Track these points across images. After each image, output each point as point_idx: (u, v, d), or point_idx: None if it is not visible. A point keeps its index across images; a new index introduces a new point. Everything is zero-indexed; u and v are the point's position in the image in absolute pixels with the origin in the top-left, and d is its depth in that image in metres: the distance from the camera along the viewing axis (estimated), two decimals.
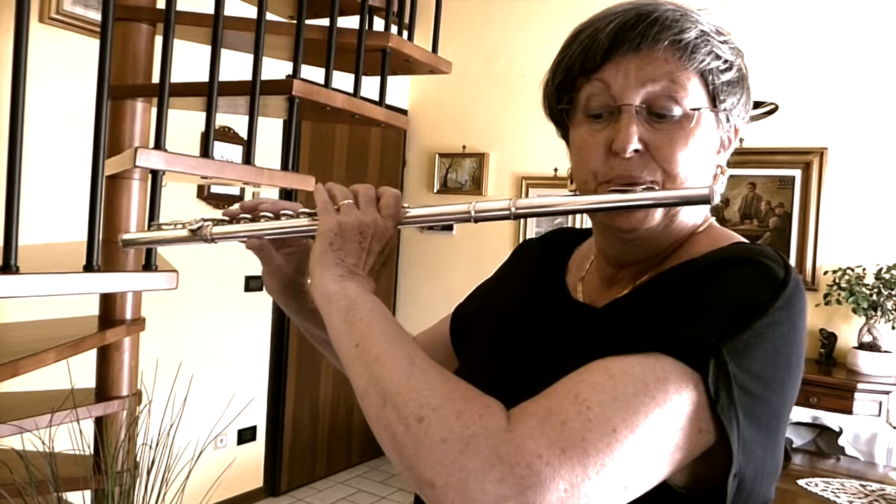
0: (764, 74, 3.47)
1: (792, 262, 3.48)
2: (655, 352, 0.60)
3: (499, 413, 0.57)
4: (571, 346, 0.73)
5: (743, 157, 3.64)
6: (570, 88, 0.75)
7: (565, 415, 0.56)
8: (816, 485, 1.95)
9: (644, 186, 0.70)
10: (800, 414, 2.54)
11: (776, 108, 3.41)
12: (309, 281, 0.74)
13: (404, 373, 0.61)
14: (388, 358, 0.63)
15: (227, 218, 0.83)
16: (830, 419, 2.49)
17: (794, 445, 2.38)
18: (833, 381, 3.03)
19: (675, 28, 0.70)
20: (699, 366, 0.58)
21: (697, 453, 0.60)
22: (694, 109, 0.70)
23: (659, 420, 0.57)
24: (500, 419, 0.57)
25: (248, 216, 0.82)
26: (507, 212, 0.73)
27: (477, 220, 0.75)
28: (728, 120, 0.75)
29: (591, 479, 0.54)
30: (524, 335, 0.83)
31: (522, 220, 4.19)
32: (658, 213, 0.72)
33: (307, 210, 0.79)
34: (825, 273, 3.38)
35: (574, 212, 0.75)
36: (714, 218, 0.81)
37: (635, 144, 0.70)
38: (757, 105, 3.41)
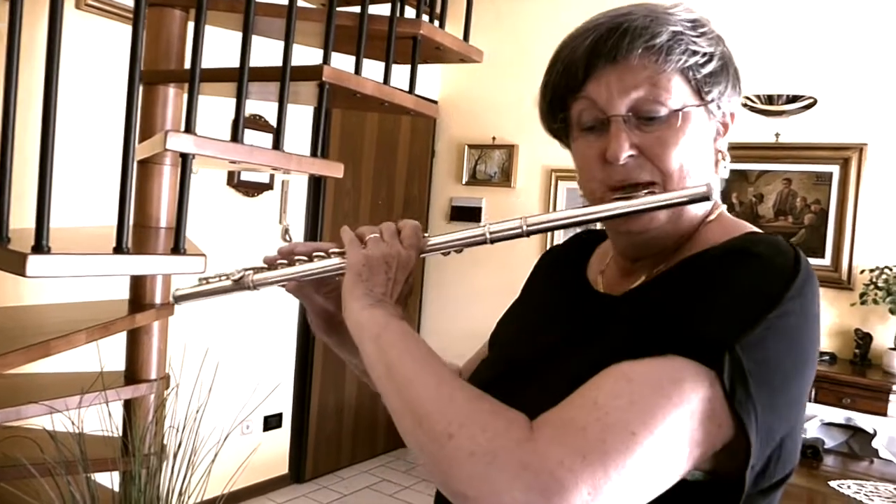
0: (802, 68, 3.39)
1: (827, 260, 3.41)
2: (670, 353, 0.62)
3: (523, 424, 0.60)
4: (588, 331, 0.77)
5: (779, 152, 3.57)
6: (562, 107, 0.79)
7: (584, 421, 0.59)
8: (849, 487, 1.91)
9: (646, 190, 0.74)
10: (833, 415, 2.49)
11: (814, 103, 3.33)
12: (343, 311, 0.79)
13: (433, 394, 0.64)
14: (418, 380, 0.67)
15: (266, 265, 0.88)
16: (864, 421, 2.43)
17: (825, 447, 2.33)
18: (868, 382, 2.97)
19: (646, 35, 0.72)
20: (714, 363, 0.60)
21: (719, 447, 0.62)
22: (678, 109, 0.73)
23: (676, 420, 0.59)
24: (524, 430, 0.60)
25: (285, 261, 0.87)
26: (520, 230, 0.77)
27: (493, 241, 0.79)
28: (719, 107, 0.78)
29: (612, 482, 0.56)
30: (545, 327, 0.86)
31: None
32: (663, 214, 0.75)
33: (337, 249, 0.84)
34: (862, 272, 3.30)
35: (582, 223, 0.78)
36: (725, 206, 0.83)
37: (627, 151, 0.73)
38: (795, 99, 3.34)
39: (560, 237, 4.16)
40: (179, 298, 0.93)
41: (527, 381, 0.74)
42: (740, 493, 0.63)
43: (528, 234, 0.77)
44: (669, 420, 0.58)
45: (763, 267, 0.66)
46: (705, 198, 0.72)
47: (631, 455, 0.57)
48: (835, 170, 3.42)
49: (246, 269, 0.88)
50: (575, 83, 0.76)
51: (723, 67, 0.76)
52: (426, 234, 0.83)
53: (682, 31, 0.73)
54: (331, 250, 0.85)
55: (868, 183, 3.35)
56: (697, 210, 0.78)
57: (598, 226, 0.87)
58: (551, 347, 0.78)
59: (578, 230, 0.93)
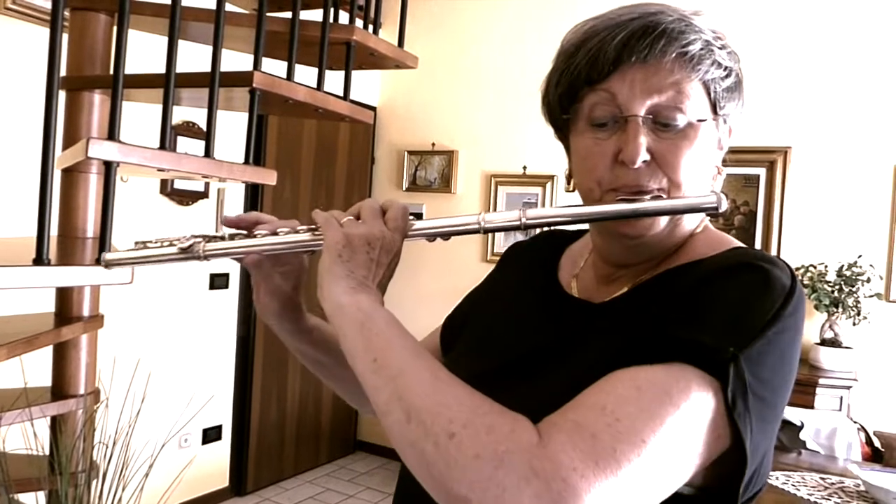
0: None
1: None
2: (677, 361, 0.61)
3: (529, 428, 0.58)
4: (566, 338, 0.75)
5: None
6: (573, 98, 0.75)
7: (594, 427, 0.57)
8: (777, 478, 1.98)
9: (651, 196, 0.72)
10: None
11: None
12: (318, 293, 0.73)
13: (429, 388, 0.61)
14: (410, 373, 0.63)
15: (219, 235, 0.80)
16: (792, 414, 2.52)
17: None
18: (796, 376, 3.08)
19: (682, 40, 0.71)
20: (719, 374, 0.60)
21: (715, 457, 0.62)
22: (700, 120, 0.72)
23: (684, 428, 0.59)
24: (531, 434, 0.57)
25: (244, 232, 0.80)
26: (518, 223, 0.73)
27: (486, 232, 0.74)
28: (725, 122, 0.77)
29: (623, 489, 0.55)
30: (514, 331, 0.84)
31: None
32: (663, 221, 0.73)
33: (306, 226, 0.78)
34: None
35: (585, 220, 0.75)
36: (709, 219, 0.82)
37: (644, 155, 0.70)
38: None
39: (504, 239, 4.18)
40: (110, 263, 0.84)
41: (503, 389, 0.70)
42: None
43: (526, 227, 0.74)
44: (678, 428, 0.58)
45: (765, 282, 0.66)
46: (715, 208, 0.69)
47: (643, 464, 0.56)
48: (762, 172, 3.55)
49: (196, 237, 0.80)
50: (598, 75, 0.72)
51: (737, 84, 0.76)
52: (412, 218, 0.77)
53: (711, 42, 0.73)
54: (299, 227, 0.79)
55: (792, 185, 3.48)
56: (692, 222, 0.78)
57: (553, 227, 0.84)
58: (527, 356, 0.77)
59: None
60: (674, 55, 0.70)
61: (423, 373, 0.62)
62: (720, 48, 0.73)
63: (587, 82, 0.73)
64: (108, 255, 0.84)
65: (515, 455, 0.55)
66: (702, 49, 0.71)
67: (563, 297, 0.84)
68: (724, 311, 0.64)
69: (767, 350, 0.63)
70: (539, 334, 0.80)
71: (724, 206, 0.70)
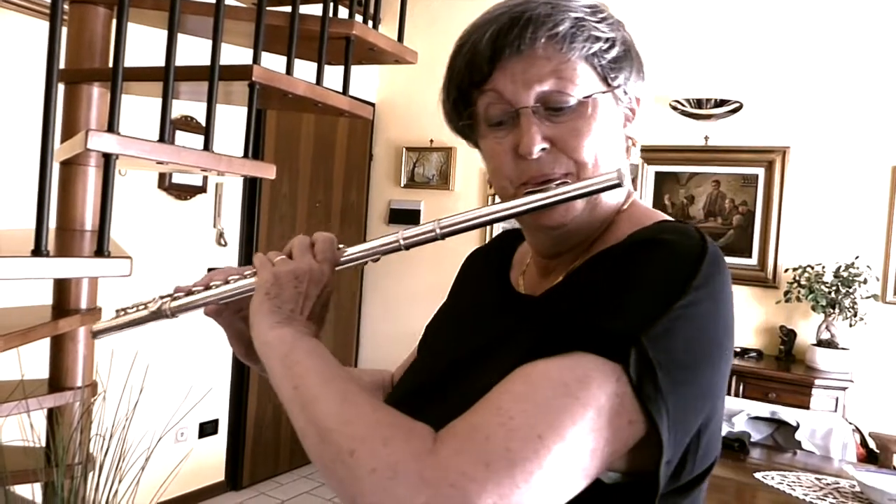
0: (729, 73, 3.51)
1: (754, 260, 3.53)
2: (574, 350, 0.59)
3: (424, 436, 0.58)
4: (506, 333, 0.74)
5: (708, 154, 3.69)
6: (468, 103, 0.76)
7: (488, 428, 0.56)
8: (773, 478, 1.98)
9: (558, 182, 0.72)
10: (758, 409, 2.58)
11: (740, 107, 3.45)
12: (251, 332, 0.76)
13: (336, 409, 0.61)
14: (322, 397, 0.63)
15: (181, 293, 0.86)
16: (788, 414, 2.52)
17: (752, 440, 2.41)
18: (792, 377, 3.09)
19: (549, 23, 0.70)
20: (619, 358, 0.58)
21: (632, 444, 0.60)
22: (587, 97, 0.71)
23: (585, 420, 0.56)
24: (425, 442, 0.57)
25: (201, 287, 0.85)
26: (434, 233, 0.75)
27: (408, 248, 0.77)
28: (626, 93, 0.76)
29: (520, 489, 0.53)
30: (468, 333, 0.84)
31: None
32: (580, 204, 0.73)
33: (253, 270, 0.82)
34: (786, 270, 3.43)
35: (495, 220, 0.75)
36: (637, 193, 0.82)
37: (540, 144, 0.71)
38: (722, 103, 3.46)
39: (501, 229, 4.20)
40: (97, 333, 0.91)
41: (449, 389, 0.71)
42: (657, 490, 0.61)
43: (443, 236, 0.75)
44: (577, 421, 0.56)
45: (668, 256, 0.65)
46: (617, 184, 0.69)
47: (539, 461, 0.54)
48: (760, 172, 3.55)
49: (162, 297, 0.86)
50: (480, 77, 0.73)
51: (626, 52, 0.75)
52: (341, 246, 0.80)
53: (584, 17, 0.71)
54: (246, 272, 0.83)
55: (791, 185, 3.48)
56: (611, 199, 0.77)
57: (514, 224, 0.84)
58: (474, 354, 0.76)
59: (505, 227, 0.91)
60: (543, 40, 0.70)
61: (334, 395, 0.63)
62: (598, 21, 0.72)
63: (472, 85, 0.74)
64: (94, 326, 0.92)
65: (406, 465, 0.55)
66: (572, 27, 0.71)
67: (512, 295, 0.85)
68: (628, 291, 0.63)
69: (677, 326, 0.60)
70: (486, 333, 0.79)
71: (628, 181, 0.70)
